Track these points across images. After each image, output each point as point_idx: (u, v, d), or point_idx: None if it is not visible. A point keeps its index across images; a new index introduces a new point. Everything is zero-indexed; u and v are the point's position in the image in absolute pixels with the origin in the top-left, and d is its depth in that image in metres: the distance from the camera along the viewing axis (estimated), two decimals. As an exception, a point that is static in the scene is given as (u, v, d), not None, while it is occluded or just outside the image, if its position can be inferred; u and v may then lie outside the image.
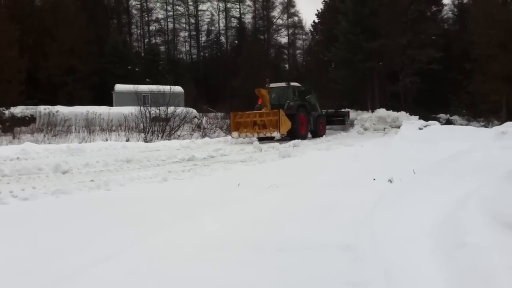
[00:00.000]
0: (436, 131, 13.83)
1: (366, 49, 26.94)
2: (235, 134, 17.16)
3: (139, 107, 19.55)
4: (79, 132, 18.75)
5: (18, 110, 23.48)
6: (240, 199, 5.02)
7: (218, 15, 62.06)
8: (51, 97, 32.78)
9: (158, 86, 23.87)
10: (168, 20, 61.17)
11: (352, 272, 2.70)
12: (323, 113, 22.17)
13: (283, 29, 62.16)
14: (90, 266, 2.83)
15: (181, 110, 20.74)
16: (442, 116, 29.18)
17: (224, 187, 5.93)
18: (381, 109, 23.51)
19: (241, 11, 61.92)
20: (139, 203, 4.97)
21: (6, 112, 22.90)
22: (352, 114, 25.34)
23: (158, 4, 60.16)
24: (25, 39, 32.84)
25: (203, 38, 63.19)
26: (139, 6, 58.97)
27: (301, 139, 16.15)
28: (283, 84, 19.50)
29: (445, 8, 37.10)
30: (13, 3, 35.14)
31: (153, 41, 58.27)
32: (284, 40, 62.34)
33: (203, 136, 19.40)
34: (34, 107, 24.03)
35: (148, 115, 19.00)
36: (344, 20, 28.70)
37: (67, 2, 39.02)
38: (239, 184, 5.90)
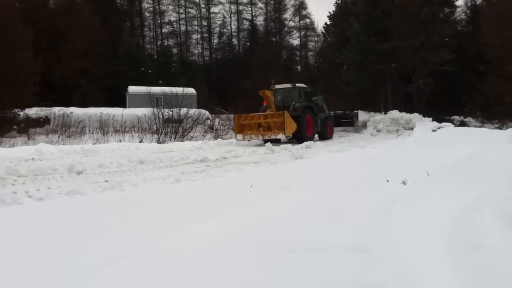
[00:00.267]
0: (449, 133, 13.71)
1: (379, 51, 26.75)
2: (239, 136, 16.86)
3: (152, 108, 19.70)
4: (93, 133, 18.96)
5: (33, 112, 23.83)
6: (252, 201, 5.03)
7: (230, 17, 62.37)
8: (65, 98, 33.26)
9: (171, 88, 23.98)
10: (181, 22, 61.54)
11: (364, 273, 2.68)
12: (331, 114, 21.55)
13: (295, 31, 62.23)
14: (104, 266, 2.85)
15: (193, 111, 20.85)
16: (456, 118, 28.93)
17: (236, 188, 5.94)
18: (394, 110, 23.26)
19: (253, 14, 62.20)
20: (153, 204, 5.00)
21: (21, 113, 23.26)
22: (365, 115, 25.14)
23: (170, 7, 60.70)
24: (39, 42, 33.22)
25: (215, 40, 63.47)
26: (151, 8, 59.48)
27: (307, 141, 15.58)
28: (288, 85, 18.87)
29: (458, 9, 36.69)
30: (27, 6, 35.65)
31: (166, 43, 58.66)
32: (296, 42, 62.46)
33: (216, 138, 19.47)
34: (49, 108, 24.38)
35: (161, 116, 19.14)
36: (356, 22, 28.60)
37: (81, 5, 39.56)
38: (252, 185, 5.91)
